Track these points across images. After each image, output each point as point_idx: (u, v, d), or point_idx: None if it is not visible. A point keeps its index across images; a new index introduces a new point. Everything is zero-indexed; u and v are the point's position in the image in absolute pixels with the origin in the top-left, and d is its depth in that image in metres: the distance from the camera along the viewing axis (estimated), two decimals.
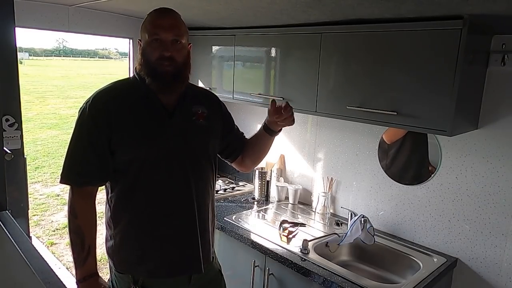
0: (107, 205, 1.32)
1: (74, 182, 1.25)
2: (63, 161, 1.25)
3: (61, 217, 4.72)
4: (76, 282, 1.26)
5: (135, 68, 1.31)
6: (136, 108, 1.25)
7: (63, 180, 1.25)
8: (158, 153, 1.25)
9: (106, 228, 1.34)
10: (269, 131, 1.44)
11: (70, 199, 1.25)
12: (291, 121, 1.39)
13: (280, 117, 1.36)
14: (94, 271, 1.27)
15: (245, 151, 1.51)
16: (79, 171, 1.24)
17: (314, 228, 2.02)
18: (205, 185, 1.34)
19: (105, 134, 1.21)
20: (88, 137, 1.22)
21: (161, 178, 1.26)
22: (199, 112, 1.34)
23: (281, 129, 1.46)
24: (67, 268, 3.45)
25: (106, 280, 1.35)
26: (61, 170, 1.25)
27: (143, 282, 1.28)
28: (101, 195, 1.35)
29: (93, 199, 1.29)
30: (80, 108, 1.25)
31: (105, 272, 3.28)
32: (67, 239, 4.08)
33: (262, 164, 2.56)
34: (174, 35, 1.21)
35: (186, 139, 1.29)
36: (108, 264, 1.37)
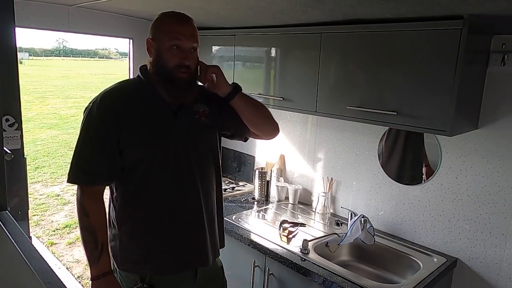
0: (112, 204, 1.33)
1: (82, 181, 1.25)
2: (71, 161, 1.26)
3: (61, 217, 4.72)
4: (91, 280, 1.27)
5: (141, 68, 1.33)
6: (143, 108, 1.27)
7: (71, 180, 1.25)
8: (165, 153, 1.27)
9: (110, 228, 1.35)
10: (226, 99, 1.39)
11: (79, 198, 1.26)
12: (211, 74, 1.35)
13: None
14: (109, 269, 1.28)
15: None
16: (87, 170, 1.24)
17: (314, 228, 2.02)
18: (209, 180, 1.37)
19: (114, 134, 1.22)
20: (96, 137, 1.23)
21: (169, 177, 1.28)
22: (201, 111, 1.35)
23: (234, 90, 1.38)
24: (67, 268, 3.45)
25: None
26: (68, 170, 1.26)
27: (150, 279, 1.30)
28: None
29: (101, 197, 1.30)
30: (86, 108, 1.26)
31: None
32: (67, 239, 4.08)
33: (262, 164, 2.58)
34: (193, 44, 1.24)
35: (192, 137, 1.31)
36: (111, 263, 1.38)
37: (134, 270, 1.31)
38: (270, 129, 1.48)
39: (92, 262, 1.26)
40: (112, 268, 1.35)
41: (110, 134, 1.22)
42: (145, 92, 1.28)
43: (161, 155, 1.26)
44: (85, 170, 1.24)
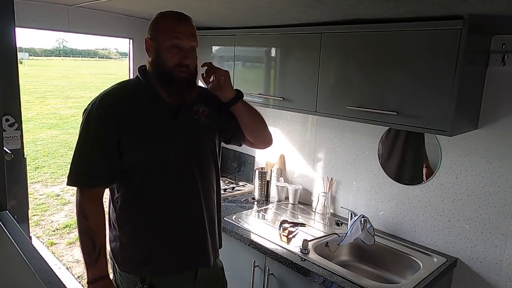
0: (112, 206, 1.33)
1: (82, 183, 1.25)
2: (70, 163, 1.25)
3: (61, 217, 4.72)
4: (88, 283, 1.27)
5: (140, 68, 1.32)
6: (142, 109, 1.26)
7: (70, 182, 1.24)
8: (165, 153, 1.26)
9: (110, 229, 1.34)
10: (228, 104, 1.40)
11: (78, 200, 1.26)
12: (221, 77, 1.36)
13: (212, 82, 1.37)
14: (105, 272, 1.28)
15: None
16: (87, 172, 1.24)
17: (314, 228, 2.02)
18: (209, 180, 1.37)
19: (114, 135, 1.22)
20: (96, 138, 1.23)
21: (169, 178, 1.28)
22: (200, 111, 1.35)
23: (237, 96, 1.40)
24: (67, 268, 3.45)
25: None
26: (68, 172, 1.25)
27: (150, 280, 1.30)
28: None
29: (101, 199, 1.29)
30: (85, 110, 1.26)
31: None
32: (67, 239, 4.09)
33: (262, 164, 2.58)
34: (193, 43, 1.24)
35: (191, 138, 1.31)
36: (111, 264, 1.38)
37: (135, 271, 1.30)
38: (264, 138, 1.52)
39: (89, 265, 1.25)
40: (113, 269, 1.36)
41: (110, 136, 1.22)
42: (144, 92, 1.28)
43: (161, 156, 1.26)
44: (84, 173, 1.24)
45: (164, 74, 1.24)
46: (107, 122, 1.22)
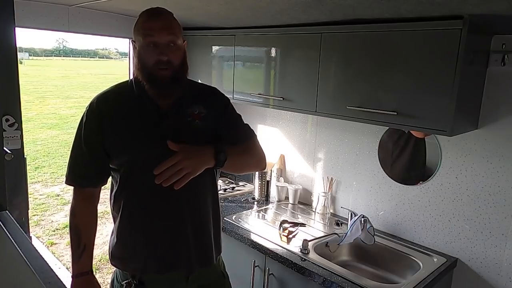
0: (109, 201, 1.36)
1: (76, 183, 1.32)
2: (67, 164, 1.32)
3: (61, 217, 4.72)
4: (71, 276, 1.32)
5: (134, 72, 1.31)
6: (128, 112, 1.26)
7: (67, 182, 1.32)
8: (148, 155, 1.24)
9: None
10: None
11: (72, 198, 1.33)
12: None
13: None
14: (87, 269, 1.31)
15: None
16: (78, 173, 1.30)
17: (314, 228, 2.02)
18: (200, 186, 1.31)
19: (99, 138, 1.25)
20: (85, 142, 1.27)
21: (150, 179, 1.22)
22: (196, 113, 1.30)
23: (217, 163, 1.22)
24: (67, 268, 3.45)
25: (108, 275, 1.38)
26: (66, 172, 1.33)
27: (140, 277, 1.31)
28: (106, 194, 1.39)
29: (94, 199, 1.35)
30: (83, 113, 1.30)
31: (107, 271, 3.27)
32: (67, 239, 4.09)
33: None
34: (169, 37, 1.18)
35: (180, 141, 1.23)
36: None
37: (122, 267, 1.32)
38: (255, 170, 1.53)
39: (73, 260, 1.31)
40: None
41: (96, 139, 1.25)
42: (134, 94, 1.26)
43: (143, 158, 1.24)
44: (76, 173, 1.30)
45: (146, 74, 1.21)
46: (93, 126, 1.25)
